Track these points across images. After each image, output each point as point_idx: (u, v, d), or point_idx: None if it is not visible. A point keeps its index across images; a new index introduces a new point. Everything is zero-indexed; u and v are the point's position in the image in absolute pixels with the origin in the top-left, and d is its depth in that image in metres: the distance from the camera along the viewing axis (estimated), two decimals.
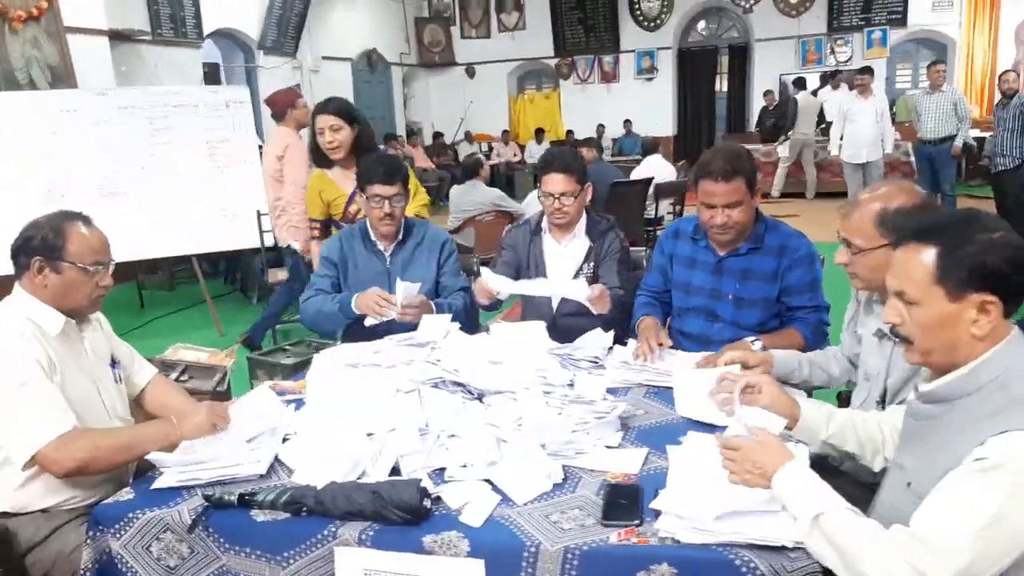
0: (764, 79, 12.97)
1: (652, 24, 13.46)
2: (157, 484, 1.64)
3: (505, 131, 14.33)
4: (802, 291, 2.31)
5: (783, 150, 10.21)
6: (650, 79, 13.68)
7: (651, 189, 6.38)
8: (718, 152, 2.31)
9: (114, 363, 2.01)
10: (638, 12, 13.46)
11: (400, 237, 2.68)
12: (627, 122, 13.52)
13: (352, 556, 1.46)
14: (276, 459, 1.74)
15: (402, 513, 1.46)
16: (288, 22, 10.29)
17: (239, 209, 5.73)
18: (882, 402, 1.77)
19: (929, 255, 1.23)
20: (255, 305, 6.31)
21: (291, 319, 5.23)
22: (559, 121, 14.24)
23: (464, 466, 1.64)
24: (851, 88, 8.25)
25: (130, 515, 1.56)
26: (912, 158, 8.68)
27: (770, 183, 10.14)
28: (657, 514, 1.42)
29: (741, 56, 13.54)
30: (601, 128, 13.42)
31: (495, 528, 1.44)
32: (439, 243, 2.73)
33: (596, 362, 2.20)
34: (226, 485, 1.63)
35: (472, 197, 5.77)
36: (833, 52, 12.64)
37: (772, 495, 1.34)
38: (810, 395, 2.00)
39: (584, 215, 2.69)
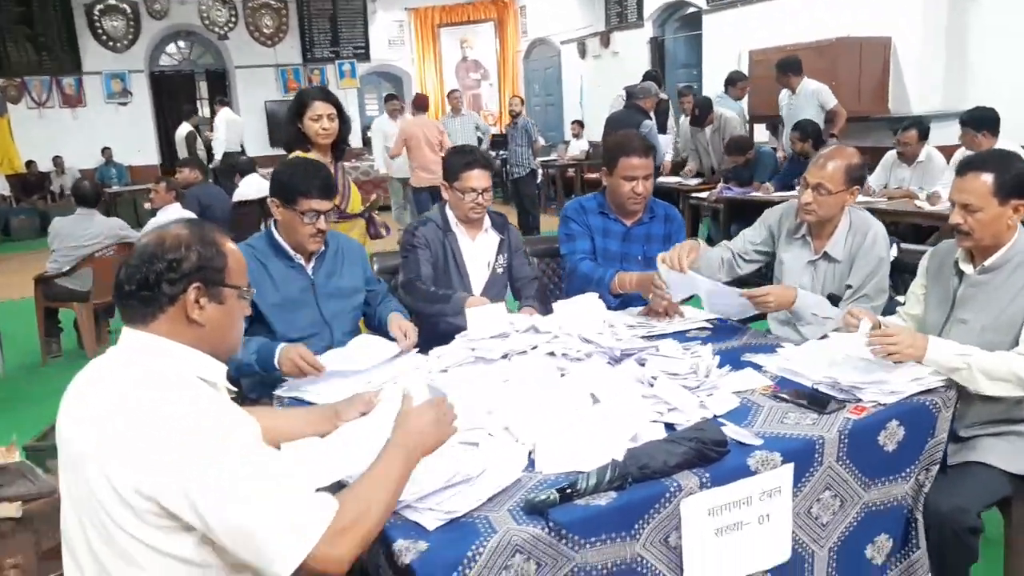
0: (251, 104, 13.07)
1: (119, 45, 12.30)
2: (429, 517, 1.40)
3: None
4: None
5: None
6: (124, 103, 12.51)
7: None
8: (631, 134, 2.76)
9: None
10: (100, 31, 12.15)
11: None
12: (106, 150, 12.14)
13: (697, 503, 1.55)
14: None
15: (721, 448, 1.61)
16: None
17: None
18: None
19: (988, 177, 1.93)
20: None
21: None
22: (13, 152, 11.98)
23: None
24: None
25: (469, 554, 1.33)
26: None
27: None
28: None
29: (221, 82, 13.38)
30: (59, 159, 11.83)
31: (786, 440, 1.69)
32: (357, 249, 2.53)
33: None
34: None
35: (90, 230, 4.83)
36: (311, 81, 13.44)
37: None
38: None
39: None
